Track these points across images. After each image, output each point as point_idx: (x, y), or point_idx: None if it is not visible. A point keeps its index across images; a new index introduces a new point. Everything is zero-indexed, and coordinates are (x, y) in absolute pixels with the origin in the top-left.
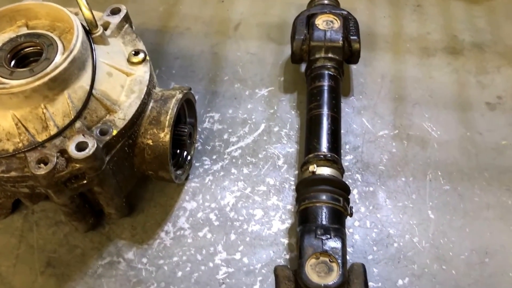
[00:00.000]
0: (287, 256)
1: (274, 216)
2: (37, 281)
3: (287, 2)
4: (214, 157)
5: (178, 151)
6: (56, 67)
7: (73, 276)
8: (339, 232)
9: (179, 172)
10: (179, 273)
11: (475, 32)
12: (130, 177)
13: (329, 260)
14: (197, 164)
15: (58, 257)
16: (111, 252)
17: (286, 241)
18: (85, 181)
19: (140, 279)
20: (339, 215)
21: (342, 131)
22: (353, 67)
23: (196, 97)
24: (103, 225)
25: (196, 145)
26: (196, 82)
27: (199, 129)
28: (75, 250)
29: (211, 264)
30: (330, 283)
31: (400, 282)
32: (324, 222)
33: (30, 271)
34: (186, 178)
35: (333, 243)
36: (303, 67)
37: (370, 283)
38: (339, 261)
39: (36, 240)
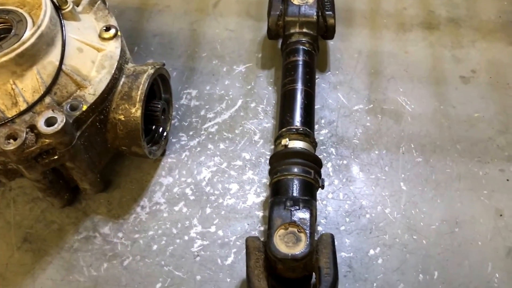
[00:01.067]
0: (261, 228)
1: (250, 190)
2: (13, 256)
3: None
4: (191, 133)
5: (153, 127)
6: (23, 43)
7: (50, 251)
8: (308, 203)
9: (154, 147)
10: (155, 247)
11: (451, 7)
12: (104, 153)
13: (298, 230)
14: (173, 140)
15: (35, 233)
16: (87, 227)
17: (260, 213)
18: (56, 157)
19: (116, 252)
20: (310, 187)
21: (317, 106)
22: (330, 42)
23: (174, 74)
24: (80, 200)
25: (173, 121)
26: (174, 59)
27: (176, 106)
28: (51, 226)
29: (186, 237)
30: (298, 252)
31: (371, 252)
32: (294, 194)
33: (7, 247)
34: (163, 154)
35: (301, 214)
36: (280, 43)
37: (342, 253)
38: (307, 231)
39: (13, 216)
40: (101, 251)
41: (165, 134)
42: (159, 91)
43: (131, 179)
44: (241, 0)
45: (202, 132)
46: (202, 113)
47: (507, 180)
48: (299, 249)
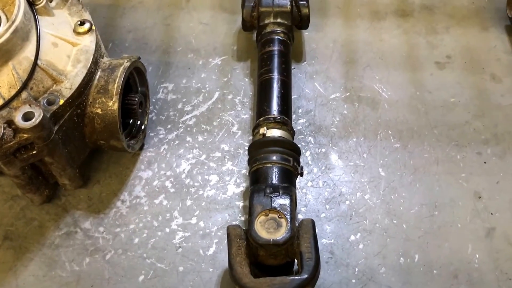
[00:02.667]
0: (242, 218)
1: (229, 181)
2: None
3: None
4: (169, 126)
5: (131, 121)
6: None
7: (31, 247)
8: (288, 190)
9: (132, 141)
10: (136, 240)
11: None
12: (82, 147)
13: (278, 216)
14: (152, 134)
15: (15, 230)
16: (68, 222)
17: (241, 204)
18: (34, 151)
19: (97, 247)
20: (289, 175)
21: (294, 96)
22: (305, 33)
23: (150, 69)
24: (59, 197)
25: (151, 115)
26: (149, 54)
27: (153, 100)
28: (32, 223)
29: (167, 230)
30: (279, 238)
31: (352, 237)
32: (274, 182)
33: None
34: (141, 148)
35: (281, 200)
36: (255, 34)
37: (323, 240)
38: (288, 216)
39: None
40: (82, 246)
41: (142, 127)
42: (135, 84)
43: (110, 174)
44: None
45: (180, 125)
46: (179, 106)
47: (485, 162)
48: (280, 234)
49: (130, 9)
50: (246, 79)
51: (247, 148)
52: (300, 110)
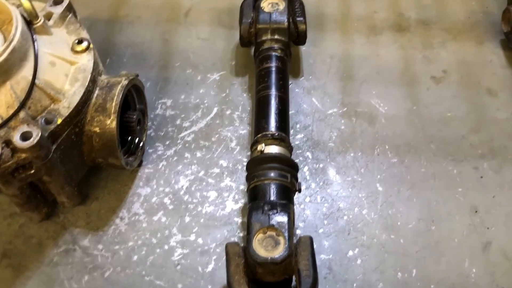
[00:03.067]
0: (241, 234)
1: (228, 197)
2: None
3: None
4: (167, 142)
5: (129, 138)
6: None
7: (30, 265)
8: (286, 207)
9: (131, 158)
10: (135, 257)
11: (421, 9)
12: (80, 166)
13: (276, 234)
14: (150, 151)
15: (14, 248)
16: (66, 240)
17: (239, 220)
18: (32, 171)
19: (96, 264)
20: (287, 191)
21: (292, 111)
22: (302, 48)
23: (148, 84)
24: (58, 214)
25: (149, 131)
26: (147, 69)
27: (151, 116)
28: (30, 240)
29: (166, 247)
30: (277, 256)
31: (350, 253)
32: (272, 199)
33: None
34: (140, 165)
35: (279, 218)
36: (253, 50)
37: (321, 256)
38: (286, 234)
39: None
40: (81, 264)
41: (141, 144)
42: (133, 102)
43: (108, 191)
44: (212, 8)
45: (179, 141)
46: (178, 122)
47: (481, 177)
48: (278, 252)
49: (128, 24)
50: (245, 94)
51: (245, 164)
52: (298, 126)
